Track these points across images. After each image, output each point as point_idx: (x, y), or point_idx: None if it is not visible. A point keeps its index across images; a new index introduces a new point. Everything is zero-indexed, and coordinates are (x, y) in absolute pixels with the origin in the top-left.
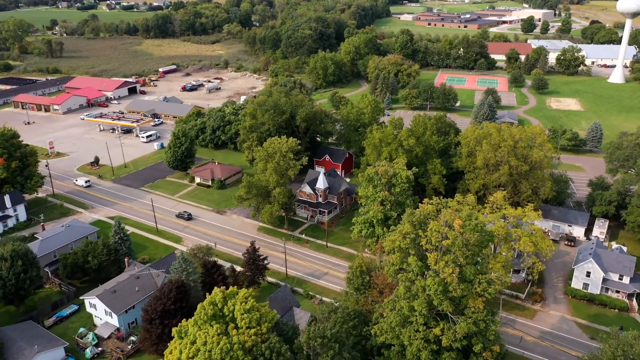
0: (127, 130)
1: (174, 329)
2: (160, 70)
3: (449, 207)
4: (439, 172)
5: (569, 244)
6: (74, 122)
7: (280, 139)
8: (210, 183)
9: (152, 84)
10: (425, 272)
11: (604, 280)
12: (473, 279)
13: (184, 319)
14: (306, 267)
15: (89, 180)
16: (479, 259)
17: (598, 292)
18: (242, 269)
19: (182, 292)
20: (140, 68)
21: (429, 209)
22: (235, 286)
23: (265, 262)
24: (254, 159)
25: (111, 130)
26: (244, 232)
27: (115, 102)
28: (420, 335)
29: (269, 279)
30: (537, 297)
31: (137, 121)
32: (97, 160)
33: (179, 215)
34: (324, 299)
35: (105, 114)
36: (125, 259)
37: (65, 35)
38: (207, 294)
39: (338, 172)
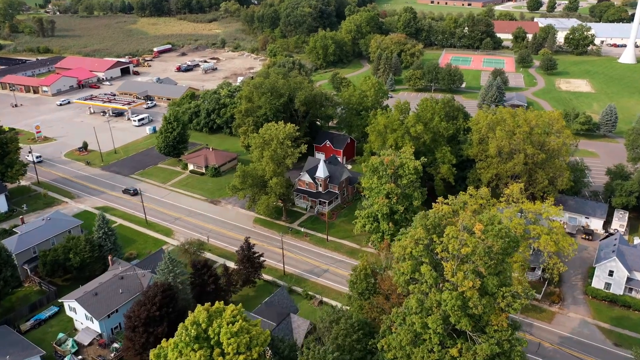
0: (119, 113)
1: (151, 353)
2: (155, 50)
3: (467, 206)
4: (449, 161)
5: (587, 237)
6: (64, 105)
7: (278, 125)
8: (204, 170)
9: (146, 64)
10: (441, 284)
11: (628, 279)
12: (496, 292)
13: (164, 340)
14: (305, 264)
15: (40, 156)
16: (502, 268)
17: (621, 293)
18: (236, 266)
19: (168, 296)
20: (135, 47)
21: (445, 210)
22: (222, 302)
23: (261, 259)
24: (250, 145)
25: (102, 113)
26: (239, 225)
27: (108, 83)
28: (435, 357)
29: (266, 276)
30: (555, 297)
31: (129, 104)
32: (85, 145)
33: (125, 191)
34: (324, 299)
35: (96, 96)
36: (109, 257)
37: (58, 13)
38: (197, 304)
39: (339, 159)
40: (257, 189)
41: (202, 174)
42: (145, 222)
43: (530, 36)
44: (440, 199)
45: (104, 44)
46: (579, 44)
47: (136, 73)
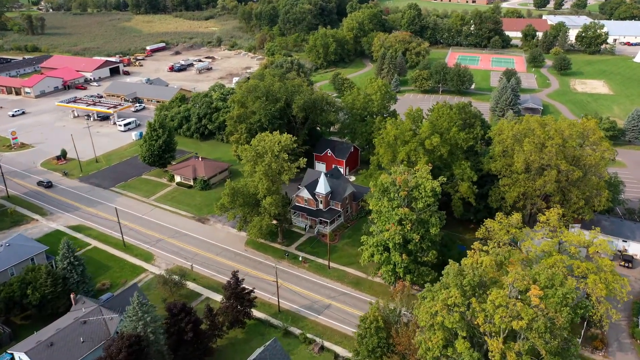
0: (104, 117)
1: None
2: (148, 48)
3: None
4: (468, 178)
5: (626, 264)
6: (47, 108)
7: (273, 135)
8: (191, 183)
9: (137, 63)
10: None
11: None
12: None
13: None
14: (304, 297)
15: None
16: (567, 346)
17: None
18: (222, 303)
19: (136, 352)
20: (127, 46)
21: (485, 263)
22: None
23: (252, 294)
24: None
25: (86, 117)
26: (229, 248)
27: (95, 84)
28: None
29: (258, 313)
30: (598, 342)
31: (115, 107)
32: (64, 153)
33: (39, 183)
34: (326, 343)
35: (80, 99)
36: (71, 295)
37: (51, 10)
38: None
39: (341, 170)
40: (249, 209)
41: (190, 186)
42: (123, 244)
43: (540, 34)
44: (476, 244)
45: (95, 42)
46: (592, 42)
47: (126, 73)
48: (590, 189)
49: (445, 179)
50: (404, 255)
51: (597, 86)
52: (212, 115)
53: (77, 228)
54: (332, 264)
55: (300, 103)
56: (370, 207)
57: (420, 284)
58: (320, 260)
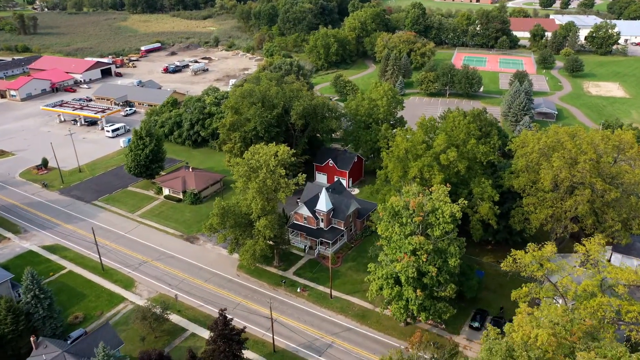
0: (91, 122)
1: None
2: (142, 48)
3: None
4: (489, 198)
5: None
6: (33, 112)
7: (268, 147)
8: (181, 196)
9: (130, 64)
10: None
11: None
12: None
13: None
14: (302, 334)
15: None
16: None
17: None
18: (208, 345)
19: None
20: (121, 46)
21: (542, 339)
22: None
23: (242, 335)
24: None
25: (73, 122)
26: (220, 272)
27: (85, 86)
28: None
29: (249, 354)
30: None
31: (103, 111)
32: (45, 162)
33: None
34: None
35: (66, 102)
36: (31, 338)
37: (46, 10)
38: None
39: (344, 182)
40: (241, 230)
41: (179, 200)
42: (102, 268)
43: (549, 34)
44: (523, 307)
45: (89, 42)
46: (603, 42)
47: (119, 75)
48: (629, 211)
49: (466, 203)
50: (418, 291)
51: (612, 89)
52: (205, 121)
53: (52, 248)
54: (334, 292)
55: (300, 109)
56: (379, 232)
57: (437, 321)
58: (321, 288)
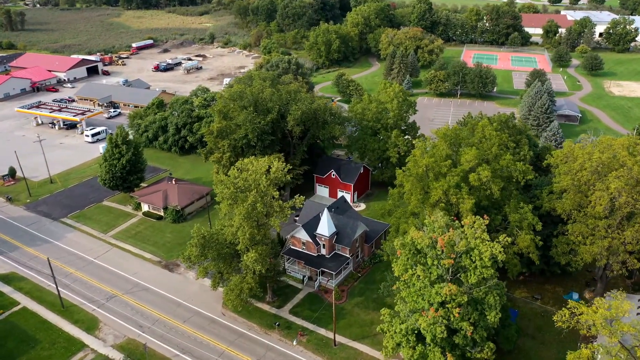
0: (71, 125)
1: None
2: (134, 45)
3: None
4: (529, 226)
5: None
6: (8, 114)
7: (259, 162)
8: (162, 213)
9: (120, 62)
10: None
11: None
12: None
13: None
14: None
15: None
16: None
17: None
18: None
19: None
20: (112, 43)
21: None
22: None
23: None
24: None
25: (51, 125)
26: (201, 310)
27: (69, 85)
28: None
29: None
30: None
31: (84, 113)
32: (12, 172)
33: None
34: None
35: (44, 103)
36: None
37: (38, 5)
38: None
39: (348, 197)
40: (226, 264)
41: (160, 217)
42: (61, 305)
43: (562, 31)
44: None
45: (78, 39)
46: (621, 39)
47: (106, 73)
48: None
49: (509, 240)
50: (449, 356)
51: (636, 89)
52: (193, 125)
53: (7, 278)
54: (338, 338)
55: (298, 114)
56: (396, 273)
57: None
58: (322, 332)
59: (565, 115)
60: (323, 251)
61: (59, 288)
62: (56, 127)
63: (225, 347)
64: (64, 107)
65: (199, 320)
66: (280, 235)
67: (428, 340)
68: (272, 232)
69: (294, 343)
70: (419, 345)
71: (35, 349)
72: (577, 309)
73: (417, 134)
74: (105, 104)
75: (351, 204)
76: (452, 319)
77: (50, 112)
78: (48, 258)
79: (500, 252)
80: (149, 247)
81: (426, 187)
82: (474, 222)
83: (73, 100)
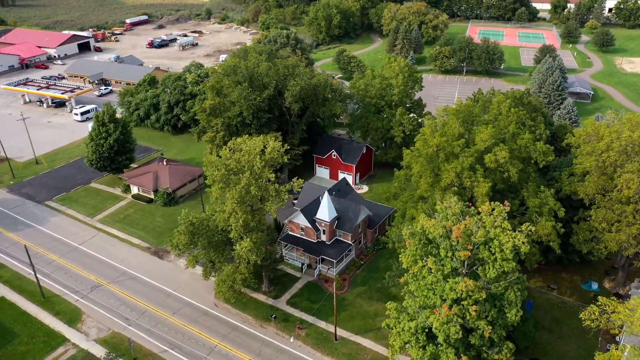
0: (60, 103)
1: None
2: (128, 21)
3: None
4: (549, 213)
5: None
6: None
7: (253, 141)
8: (152, 196)
9: (113, 38)
10: None
11: None
12: None
13: None
14: None
15: None
16: None
17: None
18: None
19: None
20: (105, 19)
21: None
22: None
23: None
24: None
25: (38, 103)
26: (192, 300)
27: (59, 62)
28: None
29: None
30: None
31: (72, 90)
32: None
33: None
34: None
35: (32, 80)
36: None
37: None
38: None
39: (350, 179)
40: (217, 252)
41: (150, 200)
42: (42, 296)
43: (571, 6)
44: None
45: (70, 14)
46: (632, 15)
47: (98, 49)
48: None
49: (532, 229)
50: (463, 357)
51: None
52: (187, 103)
53: None
54: (339, 331)
55: (296, 90)
56: (404, 265)
57: None
58: (322, 325)
59: (576, 92)
60: (323, 237)
61: (39, 277)
62: (44, 105)
63: (217, 341)
64: (52, 85)
65: (189, 311)
66: (278, 221)
67: (440, 340)
68: (268, 218)
69: (291, 340)
70: (430, 344)
71: (12, 344)
72: (608, 306)
73: (424, 112)
74: (96, 82)
75: (353, 186)
76: (467, 318)
77: (37, 90)
78: (25, 245)
79: (523, 243)
80: (137, 232)
81: (436, 169)
82: (493, 209)
83: (63, 78)
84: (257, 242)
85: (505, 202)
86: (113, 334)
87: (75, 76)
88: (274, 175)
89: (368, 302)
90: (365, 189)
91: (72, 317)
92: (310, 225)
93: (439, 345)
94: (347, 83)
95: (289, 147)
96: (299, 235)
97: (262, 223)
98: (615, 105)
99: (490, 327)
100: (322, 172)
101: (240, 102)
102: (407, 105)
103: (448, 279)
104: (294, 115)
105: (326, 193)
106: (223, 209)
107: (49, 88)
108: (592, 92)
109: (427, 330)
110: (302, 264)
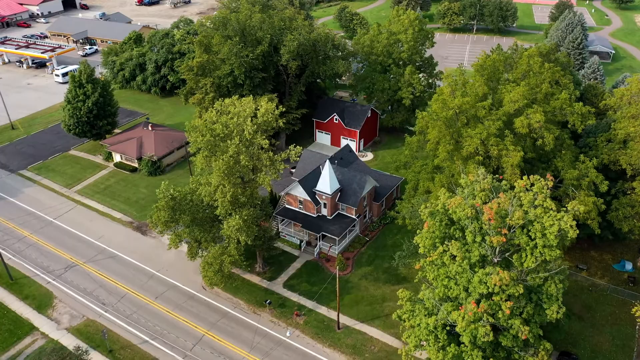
0: (41, 64)
1: None
2: None
3: None
4: (588, 187)
5: None
6: None
7: (243, 102)
8: (136, 164)
9: None
10: None
11: None
12: None
13: None
14: None
15: None
16: None
17: None
18: None
19: None
20: None
21: None
22: None
23: None
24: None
25: (18, 64)
26: (178, 283)
27: (42, 20)
28: None
29: None
30: None
31: (53, 49)
32: None
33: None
34: None
35: (10, 39)
36: None
37: None
38: None
39: (353, 146)
40: (202, 230)
41: (134, 169)
42: (9, 277)
43: None
44: None
45: None
46: None
47: (84, 7)
48: None
49: (581, 210)
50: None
51: None
52: (175, 62)
53: None
54: (342, 318)
55: (293, 46)
56: (420, 250)
57: None
58: (323, 311)
59: (595, 51)
60: (324, 211)
61: (8, 256)
62: (24, 65)
63: (204, 330)
64: (32, 44)
65: (174, 295)
66: (274, 192)
67: (466, 341)
68: (262, 191)
69: (288, 334)
70: (451, 344)
71: None
72: None
73: (435, 71)
74: (80, 40)
75: (357, 154)
76: (500, 316)
77: (16, 49)
78: None
79: (571, 226)
80: (119, 205)
81: (457, 136)
82: (532, 184)
83: (45, 37)
84: (247, 220)
85: (548, 176)
86: (87, 321)
87: (58, 35)
88: (267, 142)
89: (374, 284)
90: (369, 156)
91: (42, 301)
92: (309, 198)
93: (462, 345)
94: (349, 42)
95: (284, 109)
96: (297, 209)
97: (255, 197)
98: (638, 65)
99: (527, 328)
100: (323, 138)
101: (231, 59)
102: (417, 63)
103: (475, 269)
104: (292, 75)
105: (327, 162)
106: (209, 182)
107: (29, 47)
108: (613, 51)
109: (447, 327)
110: (301, 242)
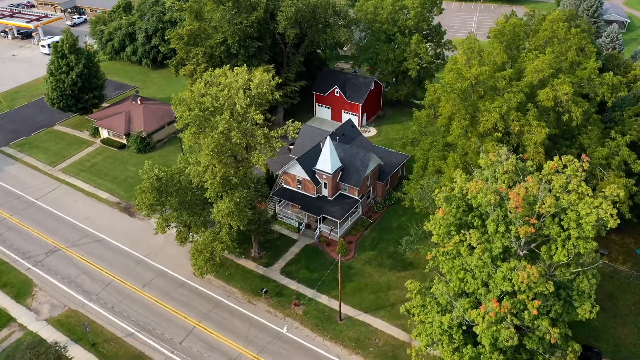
0: (27, 34)
1: None
2: None
3: None
4: (619, 166)
5: None
6: None
7: (236, 73)
8: (124, 141)
9: None
10: None
11: None
12: None
13: None
14: None
15: None
16: None
17: None
18: None
19: None
20: None
21: None
22: None
23: None
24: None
25: (2, 34)
26: (167, 269)
27: None
28: None
29: None
30: None
31: (39, 19)
32: None
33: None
34: None
35: None
36: None
37: None
38: None
39: (355, 120)
40: (191, 214)
41: (122, 146)
42: None
43: None
44: None
45: None
46: None
47: None
48: None
49: (622, 195)
50: None
51: None
52: (166, 32)
53: None
54: (345, 308)
55: (291, 12)
56: (434, 239)
57: None
58: (323, 300)
59: (610, 20)
60: (325, 192)
61: None
62: (9, 36)
63: (195, 322)
64: (17, 13)
65: (163, 283)
66: (270, 171)
67: (486, 344)
68: (257, 170)
69: (284, 330)
70: (468, 345)
71: None
72: None
73: (443, 40)
74: (68, 9)
75: (359, 129)
76: (525, 316)
77: (0, 19)
78: None
79: (612, 215)
80: (105, 184)
81: (473, 109)
82: (565, 166)
83: (32, 5)
84: (240, 203)
85: (584, 156)
86: (69, 312)
87: (45, 4)
88: (262, 117)
89: (379, 270)
90: (373, 131)
91: (21, 290)
92: (308, 178)
93: (480, 347)
94: (352, 9)
95: (281, 80)
96: (295, 189)
97: (249, 178)
98: None
99: (556, 330)
100: (323, 113)
101: (224, 27)
102: (424, 32)
103: (497, 263)
104: (290, 45)
105: (328, 138)
106: (197, 161)
107: (14, 16)
108: (629, 20)
109: (464, 326)
110: (299, 224)
